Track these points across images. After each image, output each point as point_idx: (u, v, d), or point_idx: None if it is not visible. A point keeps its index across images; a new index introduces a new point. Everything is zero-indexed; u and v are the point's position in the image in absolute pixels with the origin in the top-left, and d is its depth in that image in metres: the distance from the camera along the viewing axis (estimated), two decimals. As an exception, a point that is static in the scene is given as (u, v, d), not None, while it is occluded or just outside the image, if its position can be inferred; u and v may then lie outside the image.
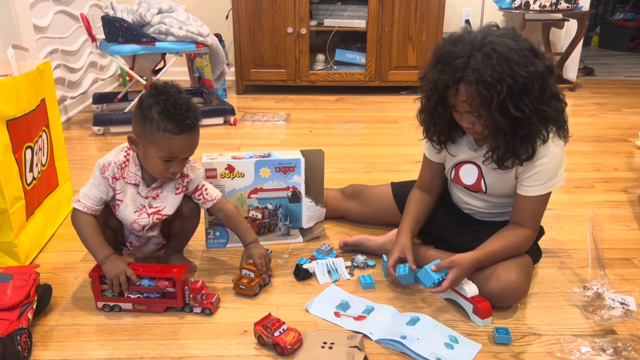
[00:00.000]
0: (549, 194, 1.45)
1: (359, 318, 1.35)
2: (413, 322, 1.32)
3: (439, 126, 1.46)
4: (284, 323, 1.25)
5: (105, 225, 1.43)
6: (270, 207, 1.71)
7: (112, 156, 1.38)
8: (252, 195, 1.68)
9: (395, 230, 1.68)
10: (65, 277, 1.57)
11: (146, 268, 1.37)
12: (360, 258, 1.63)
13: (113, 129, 2.95)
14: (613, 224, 1.96)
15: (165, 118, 1.28)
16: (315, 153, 1.70)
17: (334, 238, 1.79)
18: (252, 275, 1.46)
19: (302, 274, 1.53)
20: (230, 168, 1.64)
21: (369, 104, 3.66)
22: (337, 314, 1.36)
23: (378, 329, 1.30)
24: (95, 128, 2.93)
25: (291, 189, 1.69)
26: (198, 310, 1.34)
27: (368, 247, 1.68)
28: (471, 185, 1.54)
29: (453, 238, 1.56)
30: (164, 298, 1.35)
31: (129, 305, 1.36)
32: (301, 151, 1.69)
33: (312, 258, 1.63)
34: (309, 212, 1.74)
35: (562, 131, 1.39)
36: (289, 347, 1.22)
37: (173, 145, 1.30)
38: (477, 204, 1.57)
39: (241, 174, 1.65)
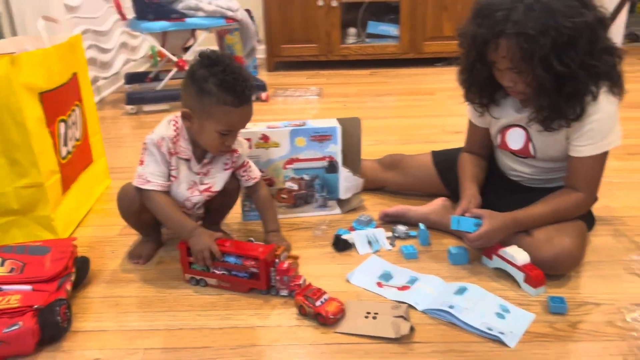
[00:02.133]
0: (604, 154, 1.35)
1: (403, 288, 1.30)
2: (461, 291, 1.27)
3: (479, 85, 1.39)
4: (325, 292, 1.21)
5: (144, 205, 1.37)
6: (306, 178, 1.66)
7: (163, 130, 1.32)
8: (287, 166, 1.64)
9: (438, 200, 1.63)
10: (102, 250, 1.56)
11: (233, 245, 1.31)
12: (401, 228, 1.57)
13: (146, 108, 2.93)
14: (671, 190, 1.83)
15: (224, 90, 1.24)
16: (351, 121, 1.64)
17: (372, 209, 1.73)
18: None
19: (342, 245, 1.49)
20: (264, 138, 1.60)
21: (403, 77, 3.56)
22: (379, 284, 1.32)
23: (424, 300, 1.25)
24: (129, 107, 2.92)
25: (328, 159, 1.64)
26: (285, 292, 1.26)
27: (410, 218, 1.62)
28: (519, 150, 1.46)
29: (498, 208, 1.46)
30: (250, 278, 1.28)
31: (214, 281, 1.32)
32: (337, 119, 1.64)
33: (351, 229, 1.58)
34: (347, 182, 1.68)
35: (616, 87, 1.29)
36: (331, 316, 1.18)
37: (233, 118, 1.27)
38: (525, 170, 1.49)
39: (276, 144, 1.61)
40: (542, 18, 1.16)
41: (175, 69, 2.96)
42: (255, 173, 1.48)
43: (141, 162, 1.33)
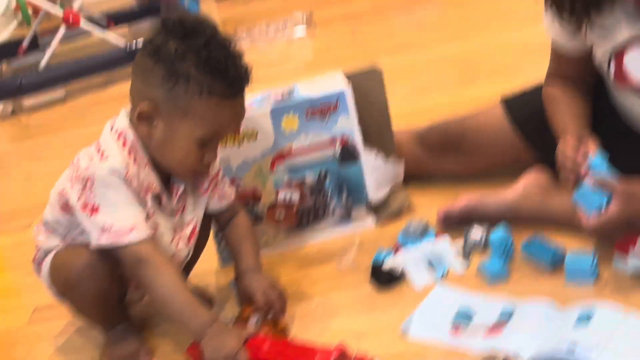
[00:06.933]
0: None
1: (495, 329, 1.09)
2: (585, 318, 1.04)
3: None
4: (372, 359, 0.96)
5: (110, 275, 1.03)
6: (310, 178, 1.34)
7: (119, 152, 1.01)
8: (277, 165, 1.32)
9: (529, 175, 1.28)
10: (11, 355, 1.19)
11: (276, 349, 0.97)
12: (478, 232, 1.25)
13: (28, 102, 2.28)
14: None
15: (211, 73, 1.00)
16: (368, 75, 1.35)
17: (426, 208, 1.35)
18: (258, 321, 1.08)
19: (386, 277, 1.22)
20: (233, 127, 1.32)
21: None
22: (456, 330, 1.12)
23: (528, 341, 1.03)
24: (-1, 107, 2.28)
25: (339, 142, 1.31)
26: None
27: (488, 212, 1.28)
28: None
29: (620, 165, 1.14)
30: None
31: None
32: (345, 74, 1.32)
33: (397, 248, 1.27)
34: (377, 173, 1.35)
35: None
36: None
37: (223, 115, 1.04)
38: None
39: (252, 134, 1.28)
40: None
41: (63, 27, 2.33)
42: (228, 189, 1.19)
43: (94, 209, 0.99)
